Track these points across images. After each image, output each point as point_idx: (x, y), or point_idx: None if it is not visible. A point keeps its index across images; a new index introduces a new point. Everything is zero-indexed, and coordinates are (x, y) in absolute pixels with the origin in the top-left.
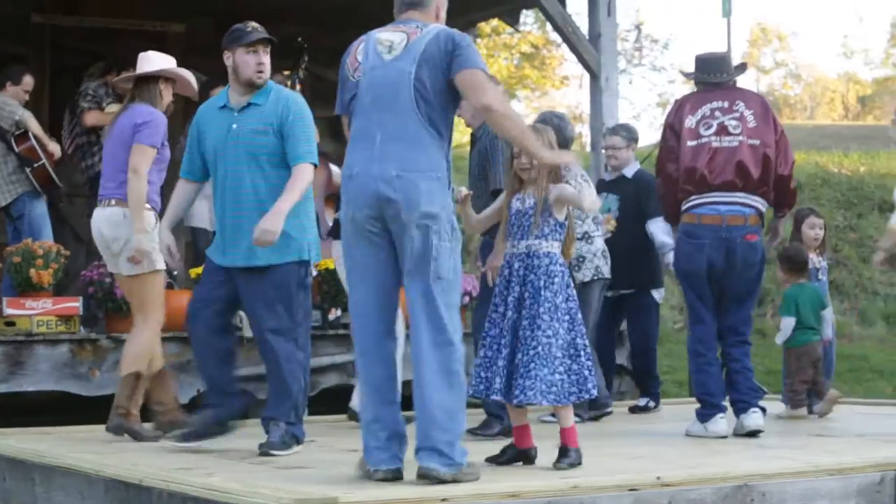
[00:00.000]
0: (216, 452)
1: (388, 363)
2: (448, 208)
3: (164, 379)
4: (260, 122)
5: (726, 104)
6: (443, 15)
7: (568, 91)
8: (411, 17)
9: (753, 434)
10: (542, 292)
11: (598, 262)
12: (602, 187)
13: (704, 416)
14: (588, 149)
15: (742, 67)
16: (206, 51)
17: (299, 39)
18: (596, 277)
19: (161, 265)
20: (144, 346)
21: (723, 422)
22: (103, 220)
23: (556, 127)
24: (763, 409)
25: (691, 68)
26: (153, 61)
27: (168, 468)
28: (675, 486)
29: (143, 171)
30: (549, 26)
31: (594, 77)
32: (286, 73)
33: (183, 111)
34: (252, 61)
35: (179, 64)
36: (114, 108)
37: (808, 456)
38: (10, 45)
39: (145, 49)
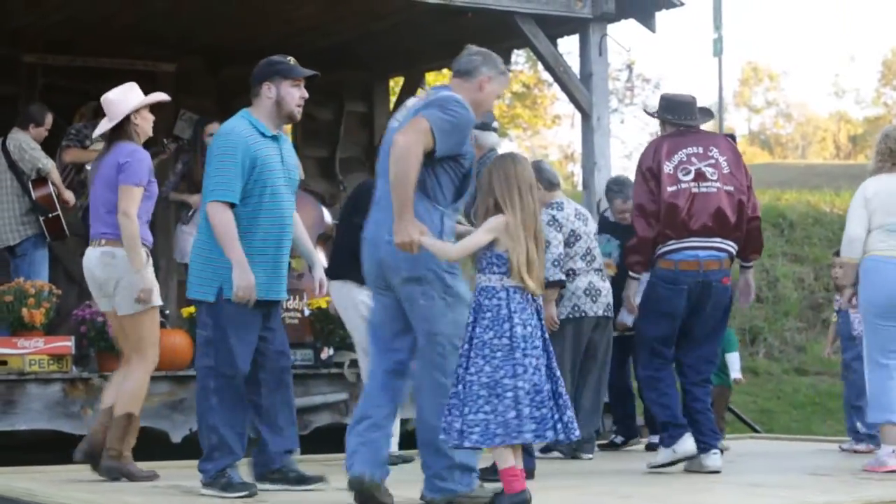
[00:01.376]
0: (207, 494)
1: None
2: (440, 267)
3: (129, 424)
4: (293, 156)
5: (700, 150)
6: (488, 89)
7: (560, 130)
8: (453, 83)
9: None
10: (470, 327)
11: (577, 300)
12: (606, 228)
13: (672, 438)
14: (580, 188)
15: (708, 113)
16: (197, 89)
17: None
18: (572, 315)
19: (157, 302)
20: (140, 385)
21: (691, 440)
22: (95, 260)
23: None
24: (722, 451)
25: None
26: (116, 104)
27: None
28: None
29: (132, 212)
30: (540, 66)
31: (586, 116)
32: None
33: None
34: (297, 94)
35: (170, 103)
36: (100, 146)
37: (801, 495)
38: (1, 86)
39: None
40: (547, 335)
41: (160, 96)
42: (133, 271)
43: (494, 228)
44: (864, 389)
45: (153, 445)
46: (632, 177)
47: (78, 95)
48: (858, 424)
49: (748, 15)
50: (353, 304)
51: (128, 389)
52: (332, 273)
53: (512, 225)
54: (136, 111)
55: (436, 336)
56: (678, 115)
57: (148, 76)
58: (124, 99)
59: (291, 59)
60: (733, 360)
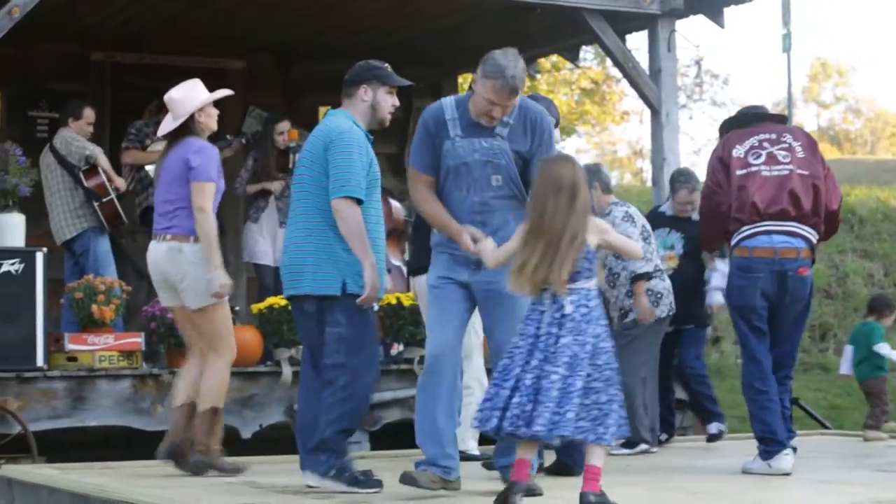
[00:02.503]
0: (280, 487)
1: None
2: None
3: (214, 418)
4: None
5: (774, 136)
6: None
7: (628, 126)
8: None
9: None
10: None
11: (671, 298)
12: (664, 223)
13: (769, 453)
14: (649, 183)
15: (782, 118)
16: (266, 87)
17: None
18: (669, 313)
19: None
20: (221, 379)
21: (788, 458)
22: (160, 255)
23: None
24: (794, 449)
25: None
26: (181, 102)
27: (231, 503)
28: None
29: (208, 207)
30: (609, 62)
31: (655, 112)
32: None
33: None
34: (389, 101)
35: (239, 100)
36: (159, 146)
37: (871, 492)
38: (71, 85)
39: (205, 86)
40: (562, 338)
41: (224, 92)
42: (207, 266)
43: (516, 236)
44: None
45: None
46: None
47: (147, 93)
48: None
49: (817, 10)
50: None
51: (210, 384)
52: (412, 268)
53: (523, 230)
54: (201, 108)
55: None
56: (746, 113)
57: (216, 73)
58: (189, 97)
59: (388, 66)
60: (884, 349)
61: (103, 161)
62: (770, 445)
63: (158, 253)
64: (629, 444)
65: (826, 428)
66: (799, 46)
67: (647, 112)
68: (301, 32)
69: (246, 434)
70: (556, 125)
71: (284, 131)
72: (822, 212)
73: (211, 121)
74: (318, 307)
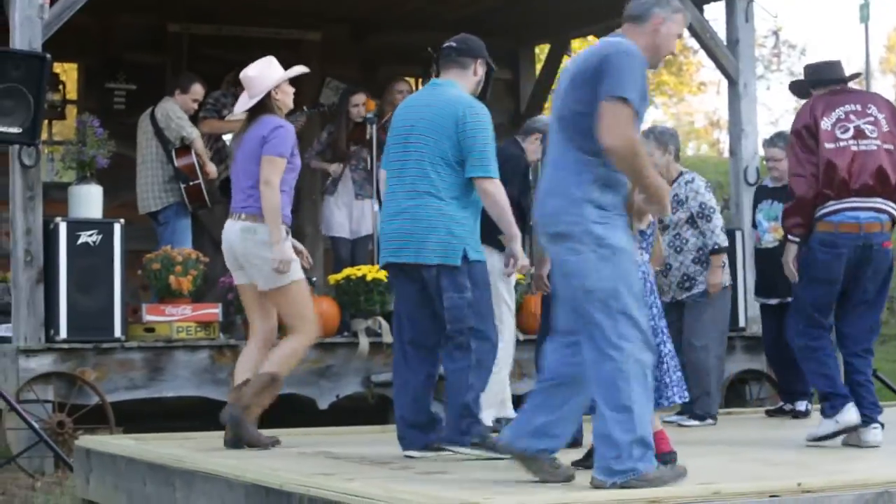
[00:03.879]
0: (357, 458)
1: None
2: (587, 219)
3: (270, 385)
4: None
5: (859, 107)
6: (664, 31)
7: (705, 97)
8: (625, 30)
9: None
10: None
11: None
12: (766, 194)
13: (834, 408)
14: (726, 154)
15: (854, 74)
16: (342, 58)
17: (429, 49)
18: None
19: (297, 276)
20: (294, 352)
21: (854, 410)
22: (235, 234)
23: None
24: (882, 425)
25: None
26: (257, 80)
27: (308, 473)
28: (815, 493)
29: (274, 181)
30: (686, 32)
31: (732, 83)
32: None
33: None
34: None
35: (315, 72)
36: (238, 116)
37: None
38: (148, 56)
39: (281, 57)
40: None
41: (299, 69)
42: (272, 244)
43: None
44: None
45: (298, 412)
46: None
47: (224, 64)
48: None
49: None
50: (492, 268)
51: (281, 353)
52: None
53: None
54: (277, 86)
55: (591, 293)
56: (829, 75)
57: (293, 45)
58: (265, 75)
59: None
60: None
61: (199, 145)
62: (834, 400)
63: (232, 231)
64: (700, 416)
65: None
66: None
67: (725, 82)
68: (377, 4)
69: (323, 405)
70: None
71: (360, 103)
72: None
73: (287, 98)
74: (438, 274)
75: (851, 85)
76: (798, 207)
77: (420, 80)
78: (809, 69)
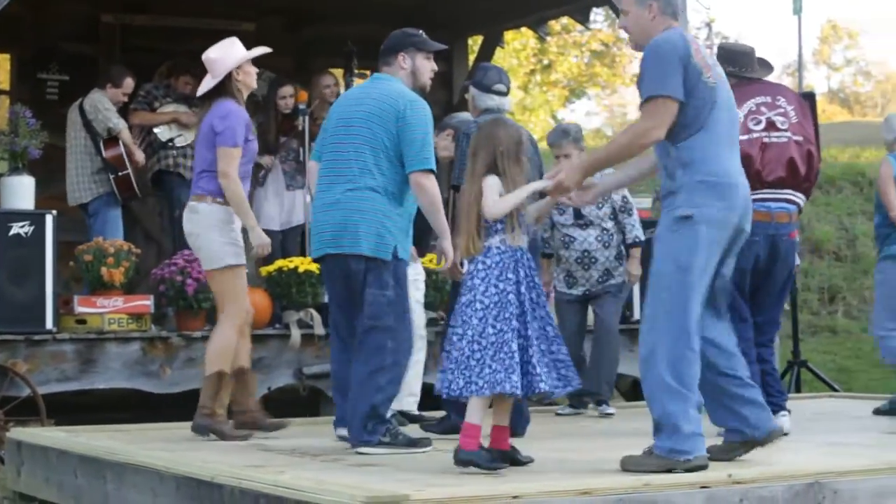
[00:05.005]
0: (288, 450)
1: None
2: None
3: (242, 378)
4: None
5: (769, 99)
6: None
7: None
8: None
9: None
10: None
11: None
12: None
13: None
14: None
15: (768, 65)
16: (276, 49)
17: (349, 44)
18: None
19: (235, 260)
20: (224, 342)
21: (785, 419)
22: (186, 215)
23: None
24: (789, 411)
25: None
26: (218, 61)
27: (240, 465)
28: (746, 484)
29: (232, 172)
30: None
31: None
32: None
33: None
34: (428, 67)
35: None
36: (169, 108)
37: (881, 453)
38: (80, 46)
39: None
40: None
41: (261, 50)
42: (247, 227)
43: None
44: None
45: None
46: None
47: (157, 55)
48: None
49: None
50: None
51: (215, 347)
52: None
53: None
54: (238, 66)
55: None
56: (740, 67)
57: (227, 36)
58: (225, 56)
59: (422, 32)
60: None
61: (126, 135)
62: (772, 397)
63: (185, 213)
64: (582, 403)
65: (835, 391)
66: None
67: None
68: None
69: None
70: (507, 91)
71: (287, 95)
72: (814, 176)
73: (249, 78)
74: (366, 268)
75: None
76: None
77: (344, 73)
78: (722, 51)
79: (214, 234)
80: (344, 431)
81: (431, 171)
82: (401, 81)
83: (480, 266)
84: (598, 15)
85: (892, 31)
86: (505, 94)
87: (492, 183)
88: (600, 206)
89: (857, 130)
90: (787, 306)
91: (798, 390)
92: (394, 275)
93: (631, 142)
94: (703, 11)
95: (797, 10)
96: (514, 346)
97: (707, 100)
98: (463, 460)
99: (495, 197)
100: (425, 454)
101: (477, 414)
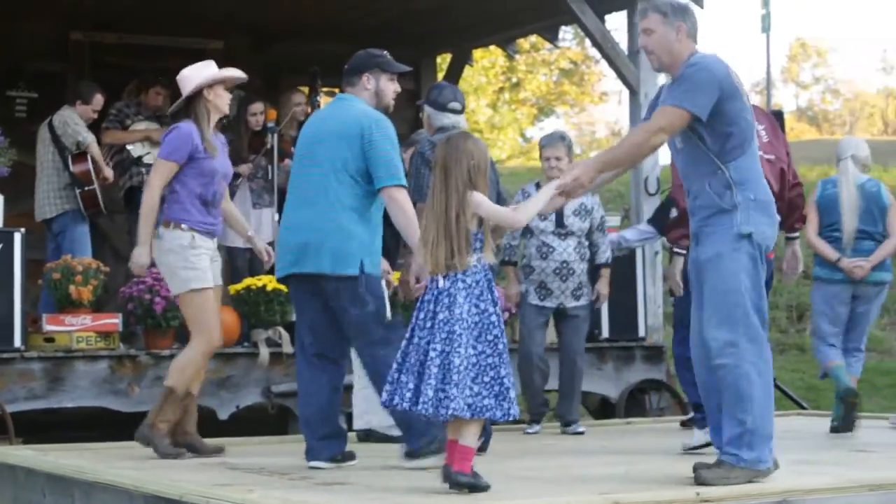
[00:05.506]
0: (256, 468)
1: None
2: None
3: (185, 402)
4: None
5: None
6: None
7: (607, 107)
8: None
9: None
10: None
11: None
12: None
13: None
14: None
15: None
16: (244, 67)
17: (314, 67)
18: None
19: (197, 284)
20: (186, 362)
21: None
22: (154, 241)
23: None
24: None
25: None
26: (188, 79)
27: (208, 484)
28: (714, 502)
29: (154, 184)
30: (588, 42)
31: (633, 93)
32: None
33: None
34: (392, 88)
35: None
36: (141, 126)
37: (848, 471)
38: (49, 64)
39: (183, 66)
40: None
41: (232, 72)
42: (178, 250)
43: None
44: None
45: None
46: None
47: (125, 72)
48: None
49: None
50: None
51: (176, 364)
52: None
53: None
54: (210, 87)
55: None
56: None
57: (195, 54)
58: (196, 75)
59: (387, 53)
60: None
61: (95, 150)
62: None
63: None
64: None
65: (803, 408)
66: (778, 26)
67: (626, 93)
68: (280, 13)
69: (223, 415)
70: (462, 110)
71: (257, 112)
72: (787, 194)
73: (220, 101)
74: (338, 287)
75: None
76: (685, 219)
77: (309, 93)
78: None
79: (175, 259)
80: (316, 462)
81: (403, 185)
82: (364, 102)
83: (461, 284)
84: (566, 33)
85: (860, 49)
86: (460, 112)
87: (483, 196)
88: (583, 219)
89: (826, 148)
90: None
91: None
92: (368, 289)
93: (643, 141)
94: None
95: (766, 29)
96: (503, 371)
97: (750, 121)
98: (463, 483)
99: (502, 207)
100: (393, 473)
101: (474, 437)
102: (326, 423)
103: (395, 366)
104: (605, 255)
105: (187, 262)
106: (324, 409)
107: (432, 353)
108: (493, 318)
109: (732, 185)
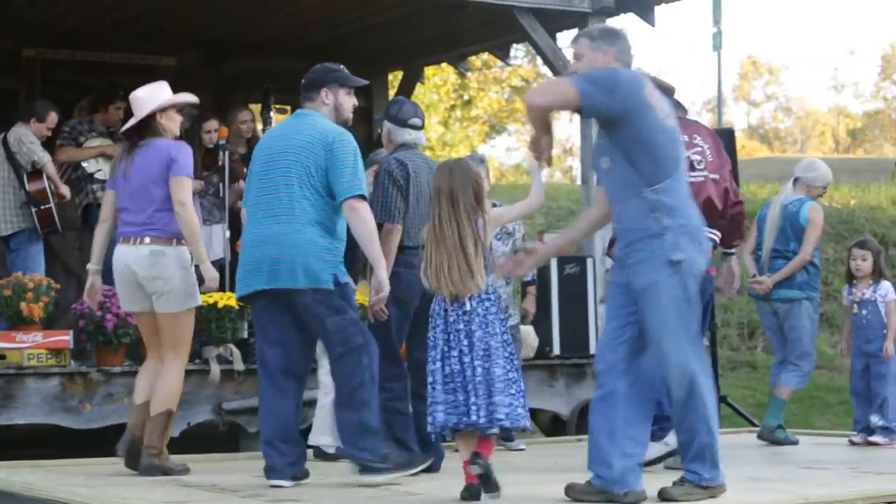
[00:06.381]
0: (208, 486)
1: None
2: None
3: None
4: None
5: (686, 138)
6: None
7: (558, 125)
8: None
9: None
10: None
11: None
12: None
13: (663, 430)
14: (578, 182)
15: (683, 108)
16: (197, 83)
17: (266, 82)
18: None
19: (197, 302)
20: (177, 384)
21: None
22: (142, 259)
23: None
24: None
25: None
26: (143, 101)
27: (159, 501)
28: None
29: (189, 202)
30: (539, 60)
31: None
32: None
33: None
34: (351, 102)
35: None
36: (95, 142)
37: (799, 489)
38: (1, 80)
39: (135, 82)
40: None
41: (187, 97)
42: (198, 261)
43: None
44: None
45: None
46: None
47: (78, 89)
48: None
49: (747, 9)
50: None
51: (167, 387)
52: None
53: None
54: (163, 110)
55: None
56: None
57: (148, 70)
58: (151, 97)
59: (343, 67)
60: None
61: (50, 168)
62: (663, 423)
63: (134, 256)
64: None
65: (754, 426)
66: (730, 45)
67: None
68: (234, 29)
69: (174, 432)
70: (423, 126)
71: (212, 130)
72: (729, 212)
73: (173, 125)
74: (314, 299)
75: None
76: None
77: (261, 109)
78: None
79: (184, 275)
80: (278, 481)
81: (364, 197)
82: (324, 116)
83: (487, 303)
84: (518, 51)
85: (812, 68)
86: (420, 128)
87: (496, 208)
88: (505, 242)
89: (777, 166)
90: (706, 342)
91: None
92: (345, 298)
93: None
94: None
95: (717, 47)
96: (521, 385)
97: (675, 144)
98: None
99: (515, 204)
100: (345, 491)
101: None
102: (291, 442)
103: (437, 388)
104: (530, 273)
105: (191, 279)
106: (289, 428)
107: (478, 369)
108: (507, 336)
109: (660, 209)
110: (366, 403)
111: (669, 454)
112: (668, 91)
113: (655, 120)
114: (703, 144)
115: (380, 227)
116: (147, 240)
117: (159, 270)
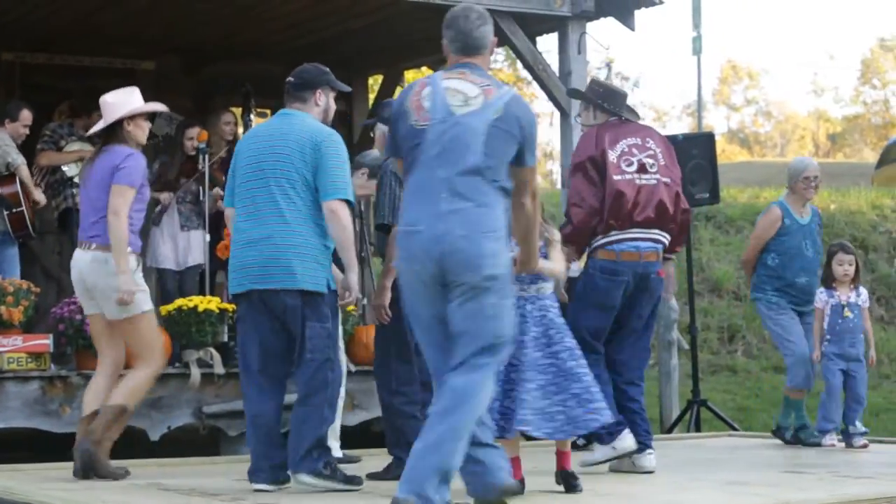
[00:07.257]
0: (187, 490)
1: None
2: (508, 267)
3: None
4: None
5: (639, 141)
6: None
7: (538, 129)
8: (472, 62)
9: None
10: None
11: None
12: None
13: (611, 434)
14: (559, 186)
15: (637, 114)
16: (175, 87)
17: (246, 85)
18: None
19: (147, 306)
20: (142, 384)
21: (630, 436)
22: (85, 264)
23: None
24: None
25: (596, 93)
26: (113, 106)
27: None
28: None
29: (123, 212)
30: (519, 64)
31: (565, 115)
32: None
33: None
34: (334, 107)
35: (150, 100)
36: (75, 147)
37: (780, 493)
38: None
39: (114, 86)
40: None
41: (156, 106)
42: (116, 271)
43: None
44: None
45: (129, 444)
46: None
47: (57, 93)
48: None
49: (727, 13)
50: None
51: (129, 384)
52: None
53: None
54: (131, 118)
55: (499, 338)
56: (615, 105)
57: (127, 74)
58: (120, 103)
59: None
60: None
61: (24, 172)
62: (610, 426)
63: (83, 261)
64: None
65: (734, 429)
66: (709, 49)
67: (558, 114)
68: (213, 33)
69: (154, 436)
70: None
71: (194, 136)
72: (679, 216)
73: (139, 132)
74: (303, 302)
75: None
76: (575, 236)
77: (242, 112)
78: (599, 87)
79: (120, 279)
80: (262, 485)
81: (347, 201)
82: (312, 117)
83: (548, 302)
84: (498, 55)
85: (791, 72)
86: None
87: None
88: None
89: (757, 171)
90: (686, 345)
91: (698, 429)
92: (330, 307)
93: None
94: (602, 51)
95: (697, 51)
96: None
97: (412, 145)
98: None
99: None
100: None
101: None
102: (275, 446)
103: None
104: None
105: (138, 285)
106: (273, 431)
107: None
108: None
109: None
110: (325, 420)
111: (617, 457)
112: (620, 96)
113: (407, 123)
114: (656, 148)
115: (389, 228)
116: (93, 246)
117: (99, 277)
